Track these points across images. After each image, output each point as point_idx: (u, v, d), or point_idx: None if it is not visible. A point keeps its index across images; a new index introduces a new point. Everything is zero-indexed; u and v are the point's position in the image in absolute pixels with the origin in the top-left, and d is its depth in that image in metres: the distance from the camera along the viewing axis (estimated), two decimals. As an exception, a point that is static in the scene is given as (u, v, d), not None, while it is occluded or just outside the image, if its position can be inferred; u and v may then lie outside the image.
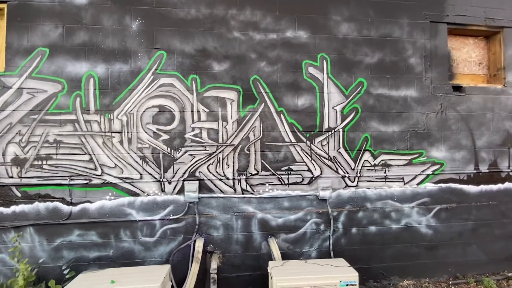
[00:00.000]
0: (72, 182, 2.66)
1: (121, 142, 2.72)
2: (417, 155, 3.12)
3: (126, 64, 2.73)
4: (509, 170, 3.27)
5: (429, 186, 3.13)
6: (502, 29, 3.34)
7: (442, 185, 3.15)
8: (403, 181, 3.09)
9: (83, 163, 2.68)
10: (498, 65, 3.39)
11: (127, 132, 2.73)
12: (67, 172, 2.66)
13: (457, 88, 3.26)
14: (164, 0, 2.79)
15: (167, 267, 2.39)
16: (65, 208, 2.66)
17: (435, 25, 3.19)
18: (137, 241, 2.73)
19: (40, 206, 2.64)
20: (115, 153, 2.71)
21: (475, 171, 3.22)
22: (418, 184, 3.12)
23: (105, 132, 2.70)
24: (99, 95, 2.70)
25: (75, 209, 2.67)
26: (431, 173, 3.13)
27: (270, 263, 2.53)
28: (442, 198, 3.15)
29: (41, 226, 2.64)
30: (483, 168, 3.23)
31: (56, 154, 2.65)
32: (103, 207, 2.70)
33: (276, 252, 2.77)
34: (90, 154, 2.69)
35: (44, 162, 2.64)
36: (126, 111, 2.73)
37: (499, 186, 3.25)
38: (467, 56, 3.47)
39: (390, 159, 3.07)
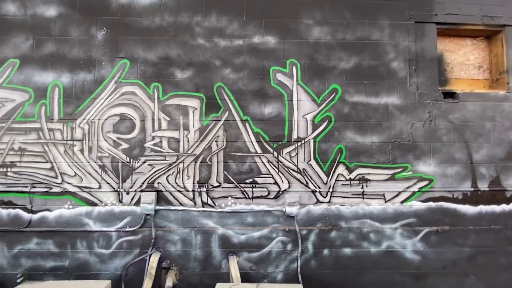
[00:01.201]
0: (33, 189, 2.67)
1: (81, 150, 2.71)
2: (400, 169, 2.78)
3: (90, 73, 2.75)
4: (516, 188, 2.81)
5: (416, 204, 2.76)
6: (504, 28, 2.95)
7: (431, 204, 2.77)
8: (384, 199, 2.76)
9: (45, 171, 2.69)
10: (501, 68, 2.98)
11: (88, 140, 2.71)
12: (29, 180, 2.68)
13: (450, 95, 2.89)
14: (129, 9, 2.80)
15: (106, 283, 2.28)
16: (26, 215, 2.66)
17: (421, 26, 2.89)
18: (93, 253, 2.66)
19: (3, 212, 2.67)
20: (76, 162, 2.70)
21: (472, 189, 2.79)
22: (402, 202, 2.76)
23: (67, 140, 2.71)
24: (63, 103, 2.73)
25: (35, 217, 2.67)
26: (417, 190, 2.76)
27: (217, 285, 2.32)
28: (432, 219, 2.76)
29: (3, 233, 2.66)
30: (483, 186, 2.80)
31: (20, 162, 2.69)
32: (62, 216, 2.67)
33: (235, 273, 2.56)
34: (51, 162, 2.70)
35: (9, 169, 2.69)
36: (88, 119, 2.72)
37: (503, 207, 2.79)
38: (464, 59, 3.10)
39: (368, 173, 2.76)
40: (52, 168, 2.70)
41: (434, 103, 2.84)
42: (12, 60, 2.74)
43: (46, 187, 2.68)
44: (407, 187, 2.77)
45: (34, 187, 2.68)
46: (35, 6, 2.77)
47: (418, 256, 2.74)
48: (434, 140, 2.81)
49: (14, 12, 2.77)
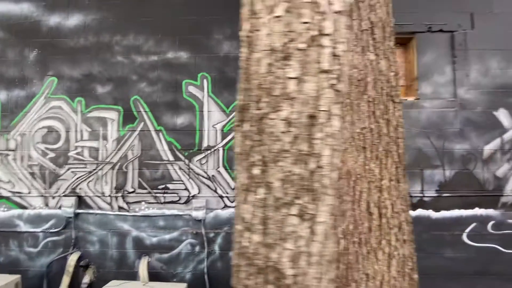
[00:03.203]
0: (-27, 194, 3.03)
1: (15, 159, 3.03)
2: (305, 175, 2.88)
3: (23, 90, 3.07)
4: (422, 195, 2.83)
5: (320, 210, 2.85)
6: (415, 35, 2.99)
7: (335, 209, 2.85)
8: (289, 204, 2.87)
9: (-16, 178, 3.04)
10: (413, 75, 3.01)
11: (20, 150, 3.03)
12: (-29, 186, 3.04)
13: (359, 102, 2.97)
14: (58, 31, 3.10)
15: (14, 277, 2.56)
16: (-32, 217, 3.02)
17: (329, 37, 2.99)
18: (23, 251, 2.97)
19: (-50, 214, 3.05)
20: (10, 170, 3.03)
21: (376, 195, 2.84)
22: (306, 207, 2.86)
23: (2, 150, 3.04)
24: (0, 118, 3.07)
25: (-24, 218, 3.02)
26: (321, 195, 2.86)
27: (110, 282, 2.55)
28: (336, 224, 2.84)
29: (-50, 232, 3.03)
30: (387, 192, 2.84)
31: (-35, 170, 3.06)
32: (-3, 217, 3.01)
33: (143, 272, 2.77)
34: (-10, 170, 3.04)
35: (-45, 176, 3.06)
36: (21, 132, 3.04)
37: (410, 213, 2.81)
38: (379, 67, 3.15)
39: (273, 180, 2.89)
40: (-10, 175, 3.04)
41: (339, 111, 2.92)
42: (-41, 80, 3.12)
43: (-15, 192, 3.03)
44: (312, 193, 2.86)
45: (-25, 192, 3.03)
46: (-22, 32, 3.14)
47: (322, 260, 2.82)
48: (339, 147, 2.89)
49: (-39, 38, 3.15)
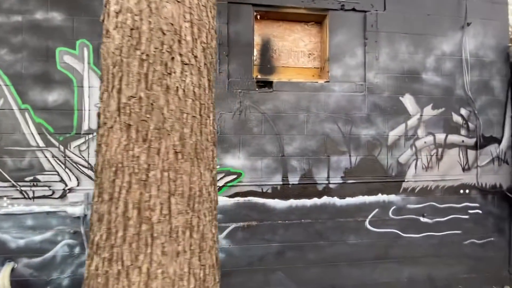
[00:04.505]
0: None
1: None
2: (206, 163, 2.59)
3: None
4: (328, 182, 2.73)
5: (223, 200, 2.60)
6: (328, 12, 2.79)
7: (239, 199, 2.62)
8: (187, 195, 2.57)
9: None
10: (325, 56, 2.84)
11: None
12: None
13: (269, 84, 2.72)
14: None
15: None
16: None
17: (236, 7, 2.65)
18: None
19: None
20: None
21: (282, 183, 2.68)
22: (207, 198, 2.59)
23: None
24: None
25: None
26: (223, 184, 2.60)
27: None
28: (239, 215, 2.62)
29: None
30: (294, 179, 2.69)
31: None
32: None
33: (3, 281, 2.27)
34: None
35: None
36: None
37: (315, 201, 2.71)
38: (293, 46, 2.92)
39: (169, 168, 2.55)
40: None
41: (245, 92, 2.65)
42: None
43: None
44: (213, 182, 2.59)
45: None
46: None
47: (223, 254, 2.60)
48: (244, 132, 2.64)
49: None
